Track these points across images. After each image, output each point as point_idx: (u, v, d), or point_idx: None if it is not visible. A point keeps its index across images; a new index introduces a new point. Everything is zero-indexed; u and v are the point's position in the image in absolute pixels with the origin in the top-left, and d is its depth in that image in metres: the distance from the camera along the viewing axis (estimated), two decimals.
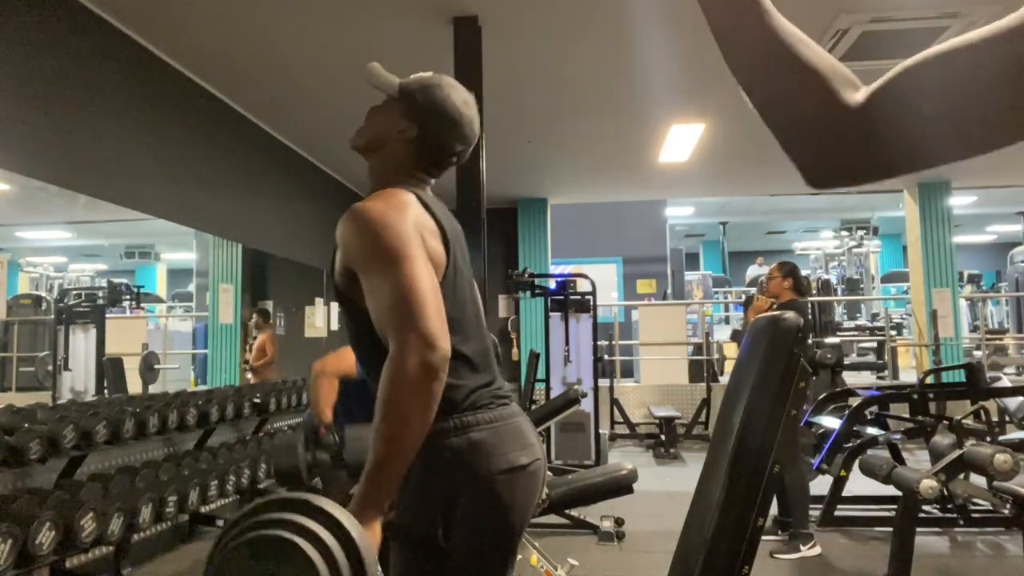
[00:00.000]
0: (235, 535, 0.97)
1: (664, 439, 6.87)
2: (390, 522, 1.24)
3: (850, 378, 7.47)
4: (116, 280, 9.81)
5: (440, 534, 1.25)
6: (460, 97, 1.43)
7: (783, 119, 0.67)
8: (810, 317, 7.02)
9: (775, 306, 3.98)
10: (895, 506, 3.18)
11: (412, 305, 1.16)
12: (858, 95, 0.64)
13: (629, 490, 2.77)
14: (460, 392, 1.30)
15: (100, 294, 8.24)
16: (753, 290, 12.09)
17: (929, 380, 4.58)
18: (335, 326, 7.23)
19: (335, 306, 7.22)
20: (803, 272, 4.30)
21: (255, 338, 6.32)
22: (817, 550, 3.72)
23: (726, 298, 13.81)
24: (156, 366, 7.49)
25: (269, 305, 6.76)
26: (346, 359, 2.91)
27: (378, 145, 1.42)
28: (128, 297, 8.50)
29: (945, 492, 2.86)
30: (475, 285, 1.43)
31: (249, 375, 6.25)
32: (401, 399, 1.14)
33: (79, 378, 6.85)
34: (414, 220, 1.29)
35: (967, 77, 0.56)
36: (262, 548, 0.94)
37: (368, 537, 1.06)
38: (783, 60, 0.65)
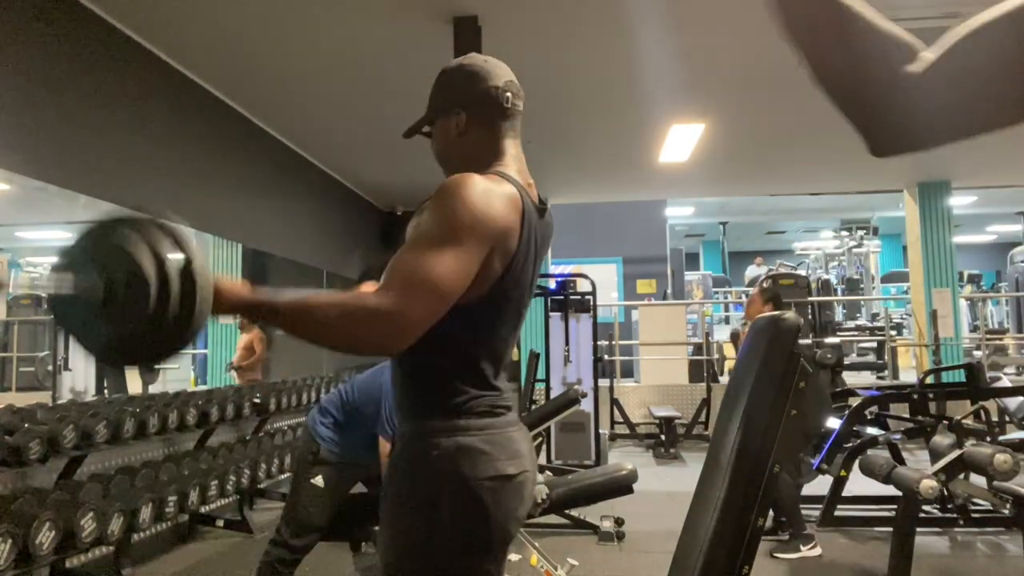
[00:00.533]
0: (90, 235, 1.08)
1: (664, 439, 6.87)
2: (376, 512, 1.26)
3: (850, 378, 7.47)
4: None
5: (423, 533, 1.25)
6: (477, 59, 1.44)
7: (848, 85, 0.66)
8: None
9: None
10: (895, 506, 3.18)
11: (425, 288, 1.15)
12: (920, 62, 0.63)
13: (629, 490, 2.77)
14: (461, 397, 1.30)
15: None
16: (752, 290, 12.09)
17: (929, 380, 4.58)
18: None
19: None
20: (803, 272, 4.30)
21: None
22: (818, 550, 3.72)
23: (726, 298, 13.81)
24: (156, 366, 7.48)
25: None
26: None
27: (453, 154, 1.41)
28: None
29: (945, 492, 2.86)
30: (530, 293, 1.40)
31: (234, 374, 6.24)
32: (345, 328, 1.14)
33: (79, 378, 6.85)
34: (502, 215, 1.25)
35: (1013, 44, 0.55)
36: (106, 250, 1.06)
37: (208, 278, 1.13)
38: (848, 24, 0.64)
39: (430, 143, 1.47)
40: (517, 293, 1.32)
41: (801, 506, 3.84)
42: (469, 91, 1.39)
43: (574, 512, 4.09)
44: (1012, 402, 5.19)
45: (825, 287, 10.73)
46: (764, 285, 4.20)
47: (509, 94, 1.39)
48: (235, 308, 1.17)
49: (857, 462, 3.43)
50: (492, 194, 1.24)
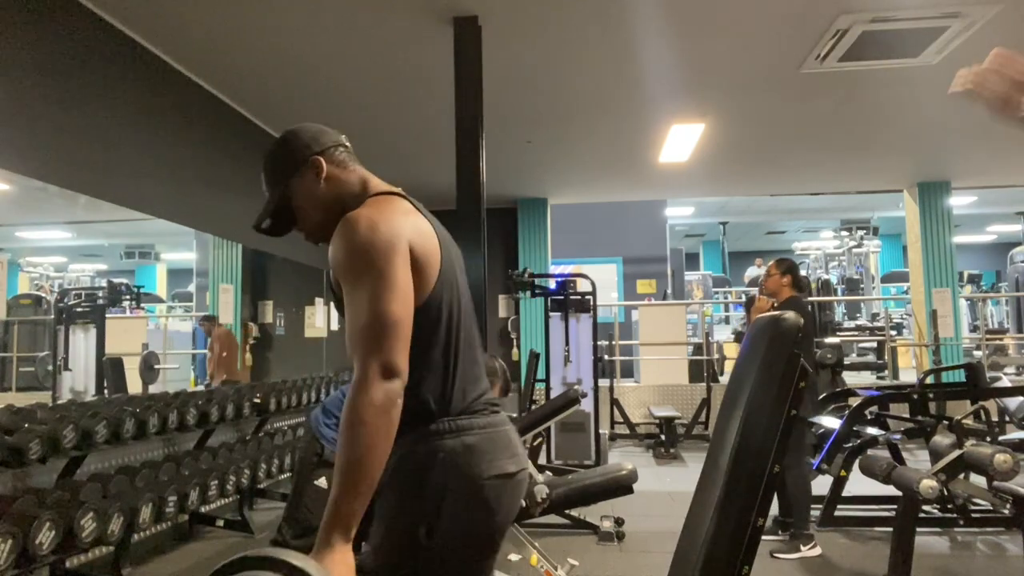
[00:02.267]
0: None
1: (664, 439, 6.87)
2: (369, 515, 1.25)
3: (850, 378, 7.47)
4: (116, 280, 9.81)
5: (423, 532, 1.25)
6: (289, 131, 1.52)
7: None
8: (811, 313, 7.01)
9: (775, 304, 3.98)
10: (895, 506, 3.18)
11: (381, 331, 1.18)
12: None
13: (629, 490, 2.77)
14: (455, 395, 1.32)
15: (100, 294, 8.24)
16: (753, 290, 12.10)
17: (929, 380, 4.58)
18: (335, 326, 7.23)
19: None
20: (803, 272, 4.30)
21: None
22: (817, 550, 3.72)
23: (726, 298, 13.81)
24: (156, 366, 7.48)
25: (269, 305, 6.76)
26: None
27: (328, 202, 1.40)
28: (128, 297, 8.51)
29: (945, 492, 2.86)
30: (467, 291, 1.44)
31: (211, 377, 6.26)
32: (368, 423, 1.14)
33: (79, 378, 6.85)
34: (409, 226, 1.30)
35: None
36: None
37: (337, 572, 1.07)
38: None
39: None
40: (451, 282, 1.36)
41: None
42: (309, 142, 1.45)
43: (574, 512, 4.09)
44: (1012, 402, 5.20)
45: (825, 287, 10.73)
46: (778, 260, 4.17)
47: (341, 148, 1.48)
48: (345, 553, 1.14)
49: (857, 462, 3.42)
50: (382, 213, 1.28)
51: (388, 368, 1.17)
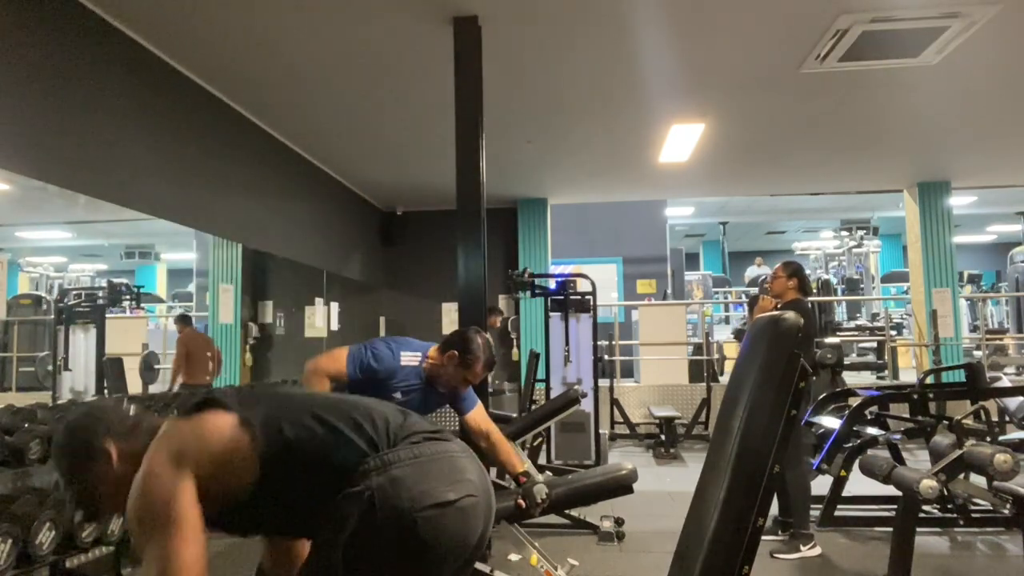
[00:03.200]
0: None
1: (664, 439, 6.87)
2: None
3: (850, 378, 7.47)
4: (116, 280, 9.81)
5: (341, 567, 1.27)
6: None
7: None
8: (813, 317, 7.01)
9: (779, 306, 3.98)
10: (895, 506, 3.18)
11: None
12: None
13: (629, 490, 2.77)
14: (376, 433, 1.35)
15: (100, 294, 8.24)
16: (754, 290, 12.10)
17: (929, 380, 4.58)
18: (335, 326, 7.23)
19: (335, 305, 7.23)
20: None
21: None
22: (817, 550, 3.72)
23: (726, 298, 13.81)
24: (156, 366, 7.48)
25: (269, 305, 6.76)
26: (337, 360, 2.90)
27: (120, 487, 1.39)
28: (128, 297, 8.51)
29: (945, 492, 2.86)
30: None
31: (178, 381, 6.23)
32: None
33: (79, 378, 6.85)
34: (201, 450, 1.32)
35: None
36: None
37: None
38: None
39: None
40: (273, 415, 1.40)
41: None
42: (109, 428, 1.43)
43: (574, 512, 4.09)
44: (1012, 402, 5.20)
45: (825, 287, 10.73)
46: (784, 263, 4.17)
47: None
48: None
49: (857, 462, 3.42)
50: (159, 465, 1.29)
51: None
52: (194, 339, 6.33)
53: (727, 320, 13.39)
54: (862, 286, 12.48)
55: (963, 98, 5.06)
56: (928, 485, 2.71)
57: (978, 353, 9.29)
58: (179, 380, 6.02)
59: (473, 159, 3.61)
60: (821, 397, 4.15)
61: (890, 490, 3.04)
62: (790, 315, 1.18)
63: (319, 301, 7.17)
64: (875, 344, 9.94)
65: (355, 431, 1.36)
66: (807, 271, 4.71)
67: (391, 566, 1.27)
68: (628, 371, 9.09)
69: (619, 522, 4.13)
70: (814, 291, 9.98)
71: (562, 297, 6.16)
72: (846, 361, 6.68)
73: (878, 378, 9.27)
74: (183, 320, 6.60)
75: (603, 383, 6.69)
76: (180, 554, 1.22)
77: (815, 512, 3.87)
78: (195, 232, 7.04)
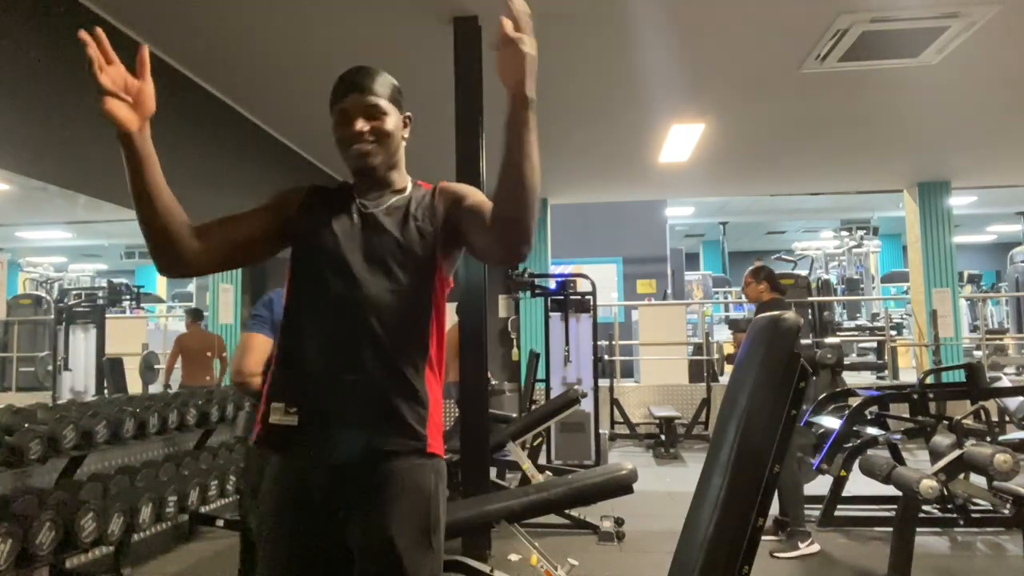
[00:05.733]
0: None
1: (664, 439, 6.87)
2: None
3: (850, 378, 7.47)
4: (116, 280, 9.81)
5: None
6: None
7: None
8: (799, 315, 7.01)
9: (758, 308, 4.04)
10: (895, 506, 3.18)
11: None
12: None
13: (629, 490, 2.77)
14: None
15: (100, 294, 8.25)
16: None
17: (929, 380, 4.58)
18: None
19: None
20: (803, 272, 4.31)
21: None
22: (816, 547, 3.72)
23: (726, 298, 13.81)
24: (156, 366, 7.48)
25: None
26: (254, 346, 2.66)
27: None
28: (128, 297, 8.51)
29: (945, 492, 2.86)
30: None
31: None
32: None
33: (79, 378, 6.85)
34: None
35: None
36: None
37: None
38: None
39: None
40: None
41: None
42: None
43: (574, 512, 4.09)
44: (1012, 402, 5.19)
45: (825, 287, 10.73)
46: (756, 265, 4.20)
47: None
48: None
49: (857, 462, 3.43)
50: None
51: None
52: (192, 339, 6.31)
53: (727, 320, 13.38)
54: (862, 286, 12.48)
55: (963, 98, 5.06)
56: (928, 485, 2.71)
57: (978, 353, 9.29)
58: (171, 378, 6.01)
59: (473, 159, 3.61)
60: (821, 397, 4.15)
61: (890, 490, 3.04)
62: (789, 315, 1.18)
63: None
64: (875, 344, 9.94)
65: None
66: (805, 270, 4.71)
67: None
68: (628, 371, 9.09)
69: (619, 522, 4.13)
70: (813, 291, 9.99)
71: (562, 297, 6.16)
72: (846, 361, 6.68)
73: (878, 378, 9.27)
74: (192, 315, 6.54)
75: (603, 383, 6.69)
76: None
77: (815, 512, 3.87)
78: None
